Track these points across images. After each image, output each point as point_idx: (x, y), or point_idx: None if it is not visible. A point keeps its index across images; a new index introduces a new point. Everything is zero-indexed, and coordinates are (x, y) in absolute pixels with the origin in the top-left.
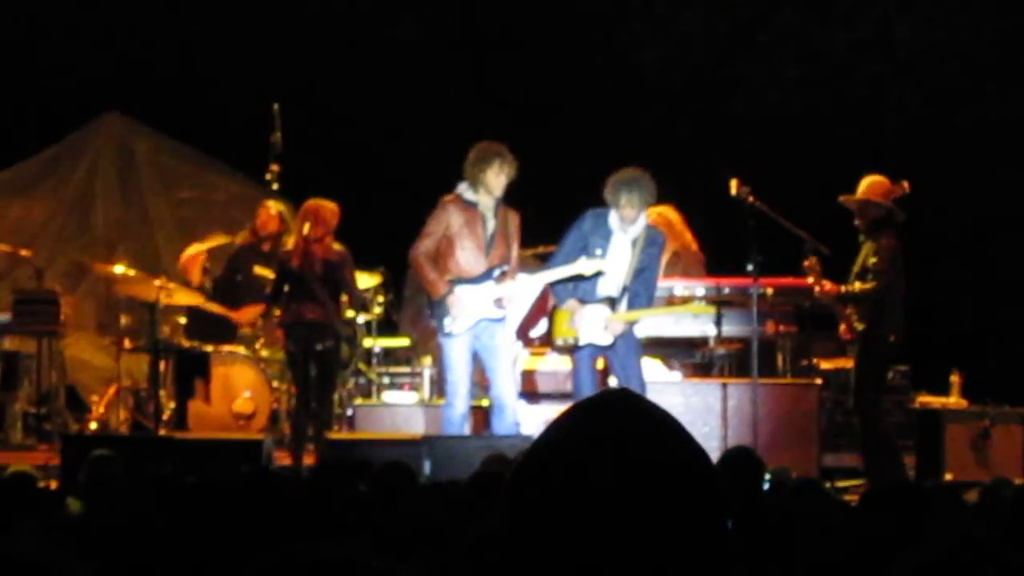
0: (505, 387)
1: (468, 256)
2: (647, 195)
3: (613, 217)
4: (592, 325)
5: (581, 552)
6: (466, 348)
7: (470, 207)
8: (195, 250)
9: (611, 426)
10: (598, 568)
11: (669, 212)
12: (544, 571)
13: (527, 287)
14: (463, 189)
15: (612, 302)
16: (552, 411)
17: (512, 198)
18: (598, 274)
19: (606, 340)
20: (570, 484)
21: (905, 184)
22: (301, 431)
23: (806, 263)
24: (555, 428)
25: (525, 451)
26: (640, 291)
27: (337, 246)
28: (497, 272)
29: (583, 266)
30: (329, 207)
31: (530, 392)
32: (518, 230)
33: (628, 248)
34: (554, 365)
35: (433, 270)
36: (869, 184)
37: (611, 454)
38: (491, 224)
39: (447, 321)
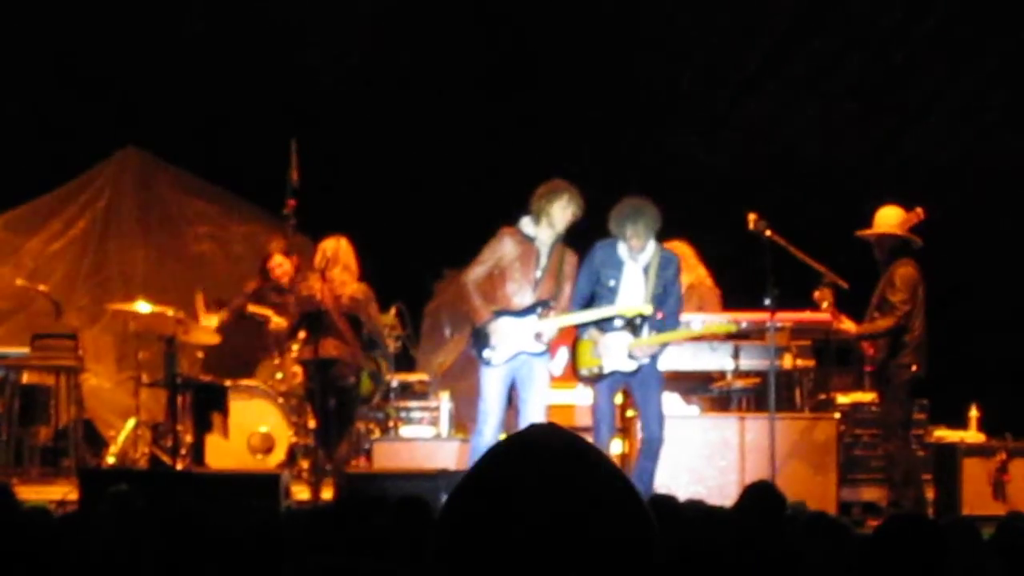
0: (534, 420)
1: (516, 288)
2: (652, 222)
3: (622, 247)
4: (615, 353)
5: None
6: (502, 379)
7: (527, 241)
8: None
9: (530, 463)
10: None
11: (682, 247)
12: None
13: (555, 328)
14: (524, 223)
15: (633, 328)
16: None
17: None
18: (608, 295)
19: (630, 367)
20: (492, 525)
21: (919, 211)
22: (319, 466)
23: (816, 294)
24: (477, 468)
25: (454, 488)
26: (666, 317)
27: (358, 283)
28: (541, 308)
29: (621, 309)
30: (348, 244)
31: None
32: (574, 270)
33: (641, 276)
34: (574, 399)
35: (479, 297)
36: (883, 215)
37: (532, 491)
38: (544, 260)
39: (486, 351)
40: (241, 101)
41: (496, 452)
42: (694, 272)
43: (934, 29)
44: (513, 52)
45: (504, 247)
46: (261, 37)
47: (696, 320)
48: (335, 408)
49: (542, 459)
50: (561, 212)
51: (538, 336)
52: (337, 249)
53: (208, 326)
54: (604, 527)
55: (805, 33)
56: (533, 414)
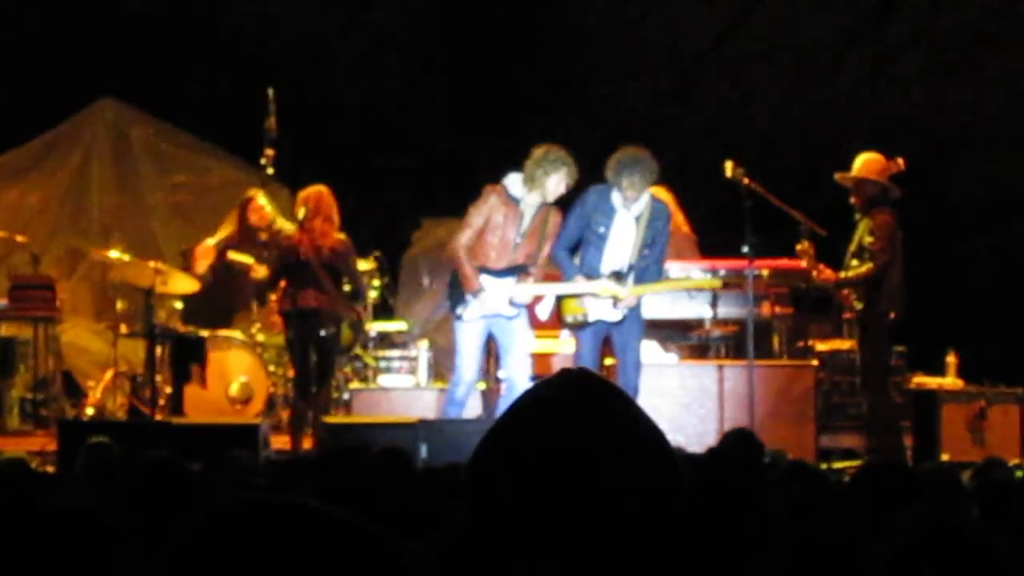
0: (516, 369)
1: (496, 248)
2: (649, 175)
3: (616, 195)
4: (599, 301)
5: (543, 535)
6: (477, 334)
7: (511, 201)
8: (208, 243)
9: (569, 407)
10: (560, 550)
11: (661, 192)
12: (505, 557)
13: (528, 295)
14: (510, 181)
15: (619, 277)
16: None
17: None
18: (596, 242)
19: (615, 316)
20: (528, 468)
21: (900, 161)
22: (300, 416)
23: (799, 247)
24: (513, 411)
25: (484, 436)
26: (650, 265)
27: (339, 234)
28: (519, 273)
29: (601, 288)
30: (329, 194)
31: (538, 375)
32: (556, 229)
33: (632, 225)
34: (560, 347)
35: (469, 264)
36: (864, 161)
37: (568, 435)
38: (526, 222)
39: (460, 308)
40: (217, 50)
41: (532, 397)
42: (672, 220)
43: None
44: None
45: (491, 208)
46: None
47: (675, 267)
48: (315, 359)
49: (577, 405)
50: (555, 185)
51: (511, 301)
52: (319, 199)
53: (185, 275)
54: (635, 473)
55: None
56: (515, 363)
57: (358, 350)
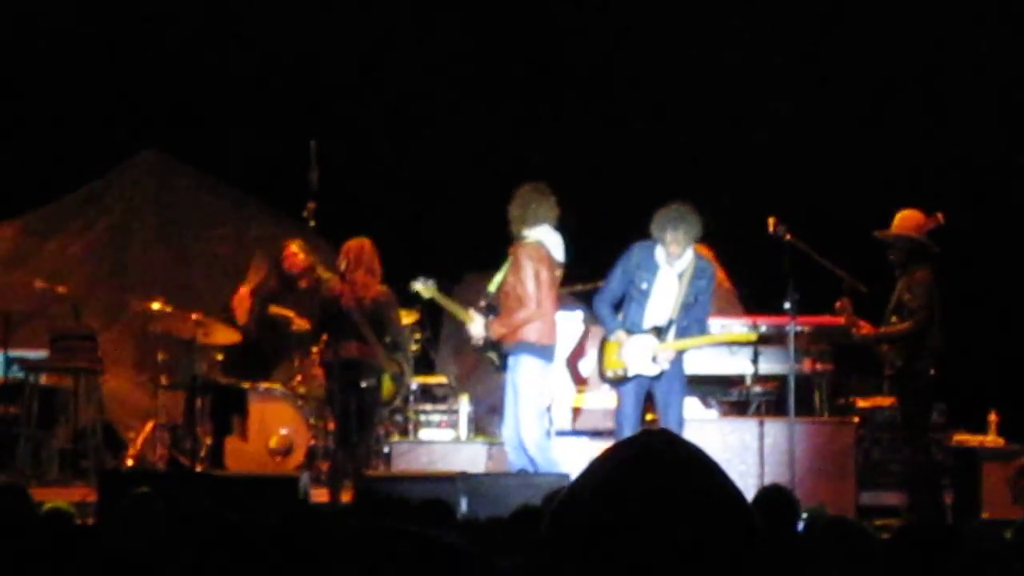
0: (511, 425)
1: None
2: (694, 230)
3: (659, 251)
4: (640, 356)
5: None
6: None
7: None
8: (243, 292)
9: (652, 467)
10: None
11: (701, 249)
12: None
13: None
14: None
15: (659, 332)
16: (593, 447)
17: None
18: (638, 297)
19: (654, 371)
20: (610, 524)
21: (939, 216)
22: (339, 468)
23: (838, 304)
24: (596, 467)
25: (566, 490)
26: (692, 324)
27: (381, 286)
28: (492, 314)
29: (619, 338)
30: (371, 246)
31: (578, 429)
32: (518, 260)
33: (675, 281)
34: (597, 403)
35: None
36: (902, 218)
37: (651, 495)
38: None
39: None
40: (261, 103)
41: (616, 452)
42: (715, 277)
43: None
44: (537, 59)
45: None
46: (281, 39)
47: (715, 323)
48: (355, 410)
49: (659, 467)
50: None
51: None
52: (361, 251)
53: (226, 327)
54: (715, 538)
55: (824, 33)
56: (518, 418)
57: (399, 403)
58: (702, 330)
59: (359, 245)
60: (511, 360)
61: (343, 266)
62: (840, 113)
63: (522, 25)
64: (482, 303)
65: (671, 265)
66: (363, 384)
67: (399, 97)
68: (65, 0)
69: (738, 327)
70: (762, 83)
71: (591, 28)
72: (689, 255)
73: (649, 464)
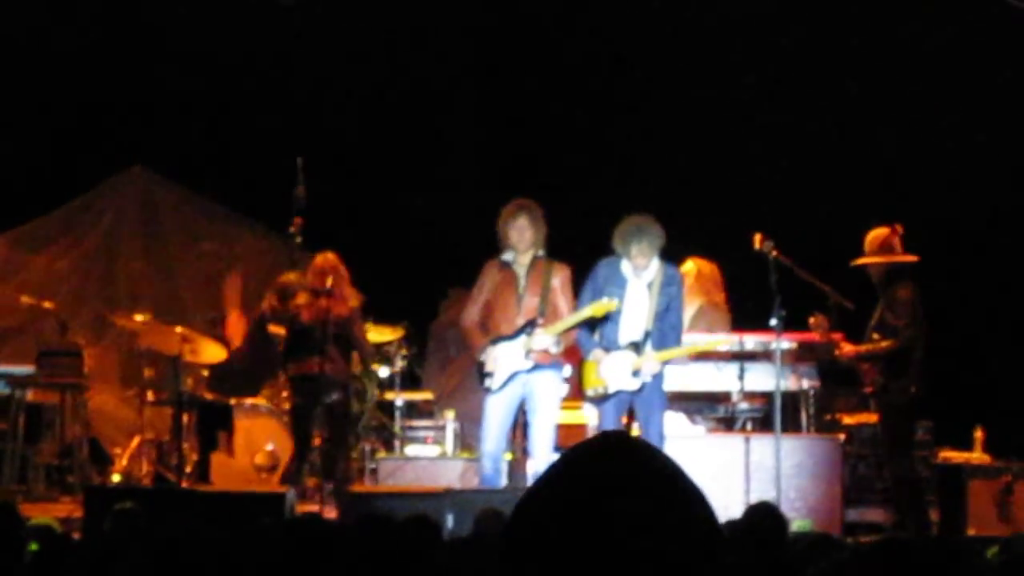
0: (536, 442)
1: (502, 314)
2: (656, 240)
3: (625, 265)
4: (619, 372)
5: None
6: (502, 405)
7: (505, 267)
8: (234, 316)
9: (607, 471)
10: None
11: (703, 265)
12: None
13: (549, 339)
14: (505, 252)
15: (636, 346)
16: None
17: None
18: (612, 314)
19: (635, 385)
20: (564, 532)
21: (897, 227)
22: (298, 485)
23: (812, 320)
24: (548, 475)
25: (519, 501)
26: (667, 331)
27: (350, 301)
28: (529, 328)
29: (595, 308)
30: (336, 260)
31: (562, 446)
32: (566, 282)
33: (645, 292)
34: (583, 418)
35: (477, 333)
36: (870, 241)
37: (606, 498)
38: (523, 281)
39: (487, 380)
40: (247, 119)
41: (571, 458)
42: (708, 295)
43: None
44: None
45: (486, 279)
46: (269, 55)
47: (701, 341)
48: (327, 427)
49: (612, 468)
50: (512, 229)
51: (528, 354)
52: (338, 265)
53: (213, 343)
54: (674, 537)
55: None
56: (539, 434)
57: (384, 419)
58: (678, 339)
59: (335, 259)
60: (545, 375)
61: (329, 282)
62: (829, 126)
63: (512, 43)
64: (523, 320)
65: (639, 277)
66: (326, 400)
67: (386, 112)
68: (53, 16)
69: (725, 346)
70: (750, 99)
71: (578, 48)
72: (655, 264)
73: (603, 467)
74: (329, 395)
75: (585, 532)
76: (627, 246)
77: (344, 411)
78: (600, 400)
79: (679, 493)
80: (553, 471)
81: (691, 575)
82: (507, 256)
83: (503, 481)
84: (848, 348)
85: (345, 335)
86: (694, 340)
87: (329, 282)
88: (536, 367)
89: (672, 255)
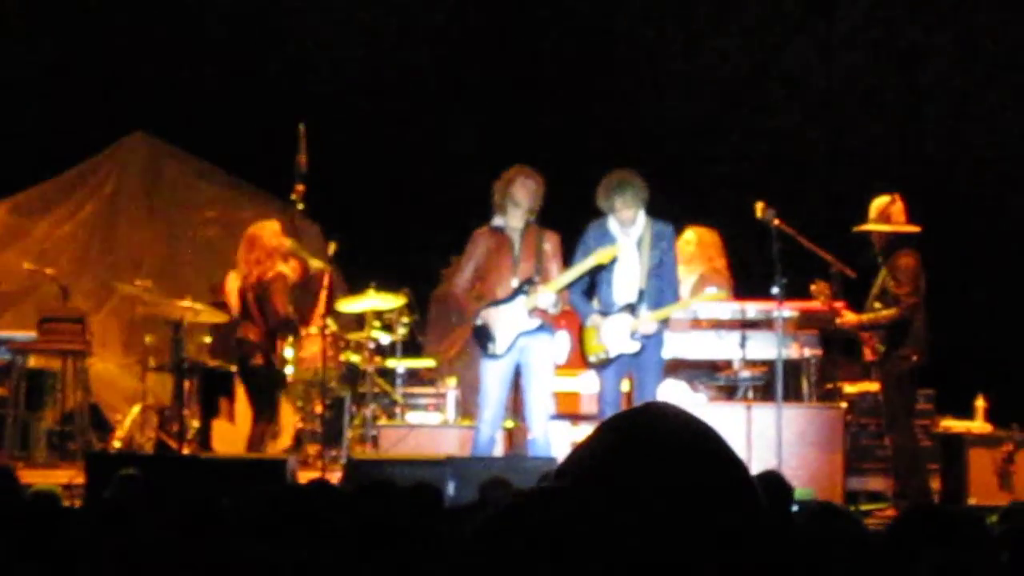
0: (533, 409)
1: (497, 278)
2: (639, 192)
3: (612, 223)
4: (618, 335)
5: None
6: (502, 372)
7: (497, 232)
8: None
9: (649, 440)
10: None
11: (705, 233)
12: None
13: (550, 297)
14: (494, 219)
15: (632, 308)
16: (575, 432)
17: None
18: (606, 276)
19: (634, 347)
20: (602, 500)
21: (896, 197)
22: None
23: (813, 287)
24: (590, 442)
25: (556, 472)
26: (663, 288)
27: (278, 267)
28: (527, 287)
29: (599, 256)
30: (264, 229)
31: (562, 414)
32: (557, 248)
33: (635, 250)
34: (579, 386)
35: (469, 299)
36: (876, 208)
37: (650, 469)
38: (517, 244)
39: (489, 345)
40: (249, 86)
41: (612, 426)
42: (709, 262)
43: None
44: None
45: (477, 246)
46: (271, 20)
47: (702, 308)
48: (249, 390)
49: (660, 441)
50: (522, 188)
51: (532, 312)
52: (251, 235)
53: (213, 310)
54: (721, 511)
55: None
56: (535, 400)
57: (385, 386)
58: (675, 295)
59: (251, 230)
60: (542, 339)
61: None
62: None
63: (516, 17)
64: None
65: (627, 235)
66: (248, 363)
67: (389, 78)
68: None
69: (725, 312)
70: (752, 72)
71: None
72: (642, 220)
73: (643, 435)
74: (252, 358)
75: (634, 504)
76: (610, 200)
77: (265, 376)
78: (602, 366)
79: (722, 461)
80: (592, 444)
81: (740, 544)
82: (498, 222)
83: (498, 449)
84: (850, 317)
85: (262, 301)
86: (693, 310)
87: (241, 252)
88: (540, 328)
89: (674, 223)
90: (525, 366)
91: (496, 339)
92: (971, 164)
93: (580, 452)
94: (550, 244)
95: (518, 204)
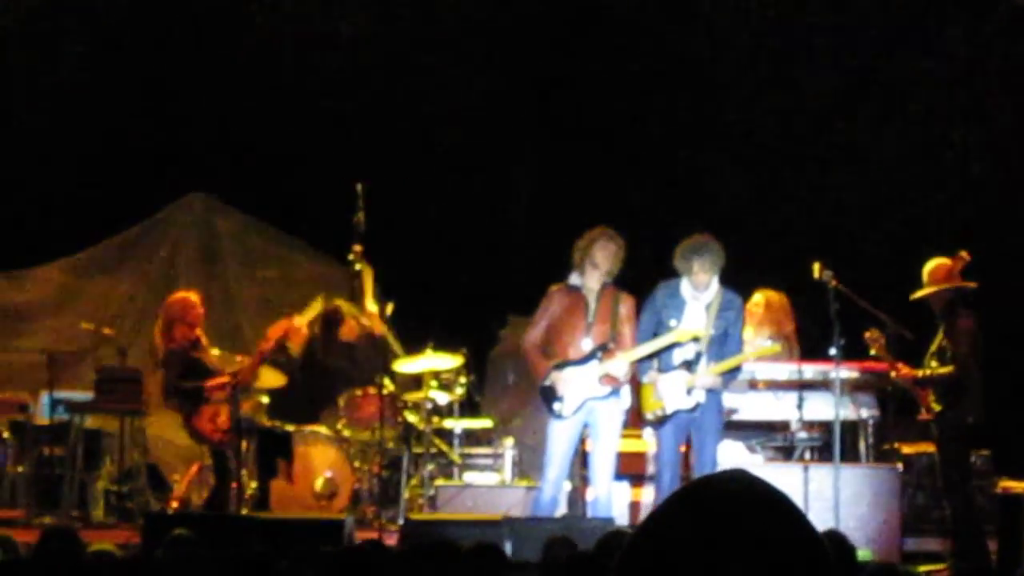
0: (598, 470)
1: (570, 339)
2: (717, 258)
3: (685, 286)
4: (675, 391)
5: None
6: (568, 433)
7: (573, 291)
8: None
9: (726, 510)
10: None
11: (773, 296)
12: None
13: (623, 366)
14: (571, 277)
15: (688, 365)
16: (631, 493)
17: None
18: (695, 340)
19: (689, 404)
20: (683, 571)
21: (964, 254)
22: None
23: (867, 334)
24: (667, 510)
25: (629, 541)
26: (724, 356)
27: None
28: (600, 352)
29: (680, 335)
30: (175, 300)
31: (625, 474)
32: (631, 312)
33: (703, 314)
34: (636, 447)
35: (539, 356)
36: (930, 272)
37: (726, 540)
38: (593, 305)
39: (556, 405)
40: (307, 145)
41: (687, 495)
42: (776, 325)
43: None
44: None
45: (552, 303)
46: (330, 82)
47: (760, 369)
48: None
49: (733, 510)
50: (603, 251)
51: (602, 379)
52: (167, 307)
53: (272, 370)
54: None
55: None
56: (601, 461)
57: (443, 446)
58: (736, 370)
59: (166, 303)
60: (609, 402)
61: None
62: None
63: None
64: (592, 347)
65: (697, 299)
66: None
67: (447, 138)
68: (118, 42)
69: (783, 373)
70: (799, 128)
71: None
72: (715, 287)
73: (723, 507)
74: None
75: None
76: (688, 262)
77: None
78: (659, 423)
79: (796, 533)
80: (665, 512)
81: None
82: (575, 281)
83: (561, 510)
84: (905, 371)
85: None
86: (752, 371)
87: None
88: (610, 393)
89: (736, 286)
90: (592, 427)
91: (564, 401)
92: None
93: (651, 522)
94: (625, 307)
95: (597, 266)
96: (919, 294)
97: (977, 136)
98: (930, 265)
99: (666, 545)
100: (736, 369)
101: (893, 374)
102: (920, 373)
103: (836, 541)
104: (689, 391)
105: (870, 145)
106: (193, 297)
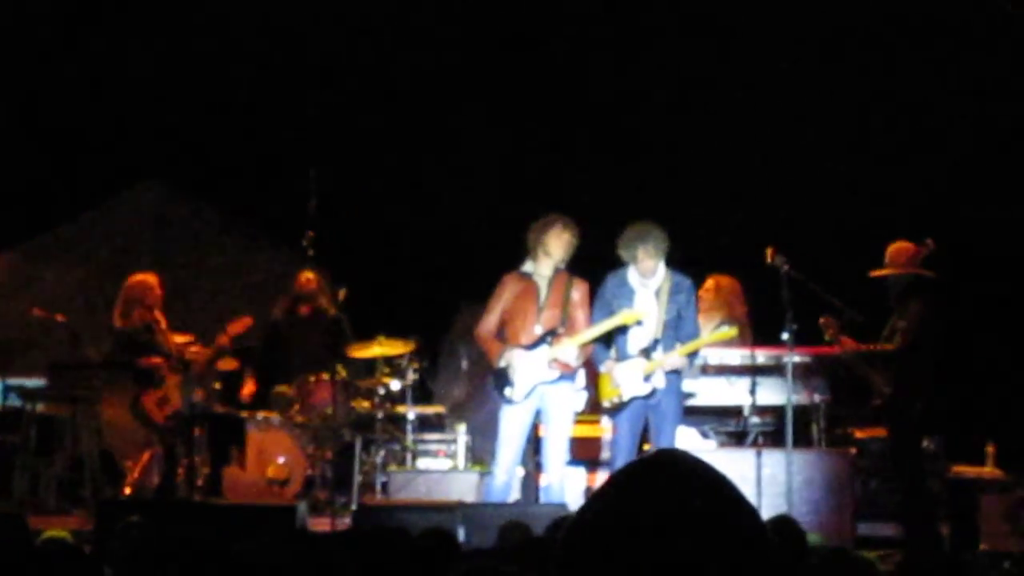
0: (550, 455)
1: (521, 324)
2: (661, 243)
3: (632, 274)
4: (631, 379)
5: None
6: (520, 418)
7: (525, 278)
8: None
9: (659, 487)
10: None
11: (723, 280)
12: None
13: (572, 351)
14: (525, 264)
15: (645, 352)
16: (588, 478)
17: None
18: (639, 323)
19: (646, 390)
20: (621, 549)
21: (929, 242)
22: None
23: (822, 320)
24: (604, 491)
25: (574, 517)
26: (680, 340)
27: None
28: (550, 337)
29: (624, 317)
30: (134, 282)
31: (579, 459)
32: (585, 297)
33: (653, 300)
34: (591, 432)
35: (494, 342)
36: (891, 254)
37: (660, 516)
38: (544, 292)
39: (507, 390)
40: (260, 131)
41: (623, 478)
42: (727, 309)
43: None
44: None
45: (504, 290)
46: (282, 66)
47: (712, 354)
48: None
49: (670, 487)
50: (557, 239)
51: (551, 363)
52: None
53: (224, 356)
54: (730, 559)
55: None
56: (553, 447)
57: (395, 432)
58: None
59: (126, 284)
60: (562, 387)
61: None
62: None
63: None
64: (542, 332)
65: (646, 286)
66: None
67: (399, 125)
68: (68, 29)
69: (735, 358)
70: (758, 111)
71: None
72: (662, 272)
73: (656, 484)
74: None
75: (644, 555)
76: (632, 249)
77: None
78: (616, 410)
79: (733, 511)
80: (606, 492)
81: None
82: (527, 268)
83: (514, 496)
84: (850, 344)
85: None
86: (704, 356)
87: None
88: (559, 378)
89: (687, 270)
90: (544, 412)
91: (515, 385)
92: (984, 210)
93: (593, 502)
94: (578, 292)
95: (549, 254)
96: (878, 272)
97: (935, 121)
98: (894, 247)
99: (613, 521)
100: (694, 353)
101: (838, 348)
102: (863, 346)
103: (785, 526)
104: (646, 378)
105: (824, 128)
106: (151, 279)
